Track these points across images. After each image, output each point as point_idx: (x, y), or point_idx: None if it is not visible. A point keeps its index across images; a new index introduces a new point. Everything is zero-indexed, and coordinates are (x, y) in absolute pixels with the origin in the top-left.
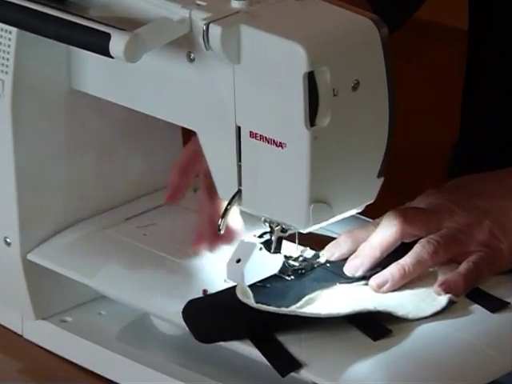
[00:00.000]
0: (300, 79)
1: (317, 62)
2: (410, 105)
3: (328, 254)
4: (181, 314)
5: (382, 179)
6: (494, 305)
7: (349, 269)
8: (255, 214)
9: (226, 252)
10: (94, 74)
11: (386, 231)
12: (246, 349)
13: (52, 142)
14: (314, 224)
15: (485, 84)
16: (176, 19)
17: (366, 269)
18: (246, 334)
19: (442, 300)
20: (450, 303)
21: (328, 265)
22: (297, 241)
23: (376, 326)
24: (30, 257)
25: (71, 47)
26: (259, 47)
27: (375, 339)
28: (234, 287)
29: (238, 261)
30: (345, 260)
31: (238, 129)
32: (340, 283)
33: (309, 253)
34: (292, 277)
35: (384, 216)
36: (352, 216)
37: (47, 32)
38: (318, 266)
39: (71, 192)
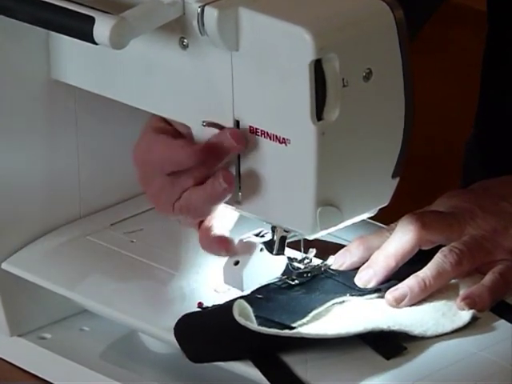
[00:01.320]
0: (306, 68)
1: (324, 49)
2: (428, 97)
3: (338, 262)
4: (172, 331)
5: (397, 180)
6: None
7: (361, 279)
8: (256, 218)
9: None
10: (76, 62)
11: (402, 238)
12: (246, 370)
13: (29, 138)
14: (322, 230)
15: (505, 65)
16: (167, 1)
17: (379, 280)
18: (245, 354)
19: (465, 315)
20: (474, 319)
21: (337, 274)
22: (302, 248)
23: (389, 344)
24: (4, 266)
25: (50, 32)
26: (260, 32)
27: (388, 358)
28: (232, 302)
29: (237, 263)
30: (356, 269)
31: (237, 123)
32: (351, 295)
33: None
34: (296, 281)
35: (399, 221)
36: (364, 221)
37: (23, 15)
38: (325, 270)
39: (50, 194)
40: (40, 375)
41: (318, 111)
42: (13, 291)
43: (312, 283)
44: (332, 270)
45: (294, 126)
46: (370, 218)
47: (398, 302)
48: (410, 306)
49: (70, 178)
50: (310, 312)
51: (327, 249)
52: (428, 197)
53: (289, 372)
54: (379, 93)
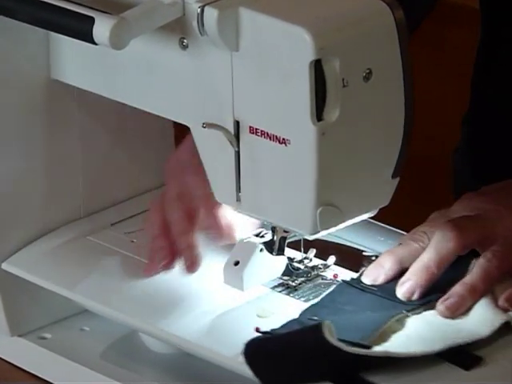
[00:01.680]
0: (306, 68)
1: (324, 50)
2: (428, 97)
3: (371, 277)
4: (172, 331)
5: (397, 180)
6: None
7: (403, 293)
8: (256, 218)
9: (224, 259)
10: (76, 62)
11: (443, 246)
12: (246, 370)
13: (30, 138)
14: (322, 230)
15: (498, 64)
16: (167, 1)
17: (422, 291)
18: (325, 375)
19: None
20: None
21: (376, 289)
22: (302, 249)
23: (464, 355)
24: (4, 266)
25: (50, 33)
26: (260, 32)
27: (467, 369)
28: (313, 326)
29: (237, 263)
30: (389, 283)
31: (237, 123)
32: (406, 311)
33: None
34: (297, 281)
35: (429, 229)
36: (364, 221)
37: (23, 15)
38: (323, 269)
39: (50, 194)
40: (40, 375)
41: (318, 111)
42: (13, 291)
43: (356, 300)
44: (366, 285)
45: (294, 126)
46: (370, 218)
47: (450, 311)
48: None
49: (70, 177)
50: (375, 331)
51: (327, 249)
52: (428, 197)
53: None
54: (379, 93)
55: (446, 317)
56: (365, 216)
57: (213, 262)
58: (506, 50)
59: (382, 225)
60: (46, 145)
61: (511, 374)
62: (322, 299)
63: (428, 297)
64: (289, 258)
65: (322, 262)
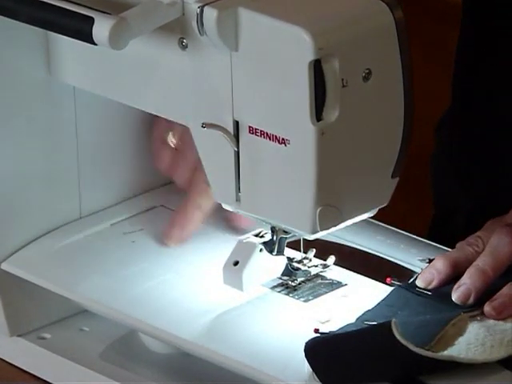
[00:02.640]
0: (305, 68)
1: (324, 50)
2: (428, 97)
3: (425, 281)
4: (172, 331)
5: (396, 180)
6: None
7: (458, 296)
8: (256, 218)
9: (222, 259)
10: (76, 62)
11: (500, 251)
12: (246, 370)
13: (29, 138)
14: (322, 230)
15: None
16: (166, 1)
17: (478, 295)
18: (387, 377)
19: None
20: None
21: (430, 293)
22: (302, 249)
23: None
24: (3, 266)
25: (50, 33)
26: (259, 33)
27: None
28: (381, 326)
29: (236, 263)
30: (445, 286)
31: (236, 123)
32: (464, 312)
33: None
34: (296, 281)
35: (486, 234)
36: (364, 221)
37: (23, 15)
38: (323, 269)
39: (50, 195)
40: (40, 375)
41: (318, 111)
42: (13, 291)
43: (411, 305)
44: (421, 289)
45: (294, 126)
46: (369, 218)
47: (497, 312)
48: None
49: (70, 178)
50: (434, 336)
51: (327, 249)
52: (428, 197)
53: None
54: (379, 93)
55: (493, 318)
56: (364, 216)
57: (212, 262)
58: (499, 48)
59: (382, 224)
60: (45, 144)
61: None
62: (378, 304)
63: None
64: (288, 258)
65: (321, 261)
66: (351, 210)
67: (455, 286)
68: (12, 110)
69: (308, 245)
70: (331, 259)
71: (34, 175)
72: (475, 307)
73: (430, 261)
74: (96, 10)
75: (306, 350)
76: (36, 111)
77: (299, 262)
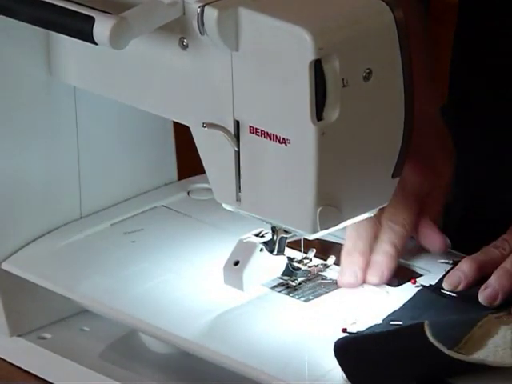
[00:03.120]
0: (306, 68)
1: (324, 50)
2: None
3: (452, 284)
4: (172, 331)
5: (397, 180)
6: None
7: (485, 298)
8: (256, 218)
9: (222, 259)
10: (76, 62)
11: None
12: (246, 370)
13: (29, 138)
14: (322, 229)
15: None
16: (167, 1)
17: (505, 296)
18: (415, 378)
19: None
20: None
21: (457, 296)
22: (302, 248)
23: None
24: (4, 266)
25: (50, 32)
26: (260, 32)
27: None
28: (412, 326)
29: (236, 263)
30: (471, 288)
31: (237, 123)
32: (491, 313)
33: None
34: (296, 281)
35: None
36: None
37: (23, 15)
38: (323, 269)
39: (50, 195)
40: (40, 375)
41: (318, 111)
42: (13, 291)
43: (436, 306)
44: (447, 290)
45: (294, 126)
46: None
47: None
48: None
49: (70, 178)
50: (461, 338)
51: (327, 249)
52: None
53: None
54: (379, 93)
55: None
56: (364, 216)
57: (212, 263)
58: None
59: None
60: (45, 144)
61: None
62: (403, 305)
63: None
64: (289, 258)
65: (321, 261)
66: (351, 210)
67: (482, 288)
68: (12, 110)
69: (308, 245)
70: (331, 259)
71: (34, 175)
72: (501, 309)
73: (455, 263)
74: (97, 9)
75: (335, 350)
76: (36, 111)
77: (299, 261)
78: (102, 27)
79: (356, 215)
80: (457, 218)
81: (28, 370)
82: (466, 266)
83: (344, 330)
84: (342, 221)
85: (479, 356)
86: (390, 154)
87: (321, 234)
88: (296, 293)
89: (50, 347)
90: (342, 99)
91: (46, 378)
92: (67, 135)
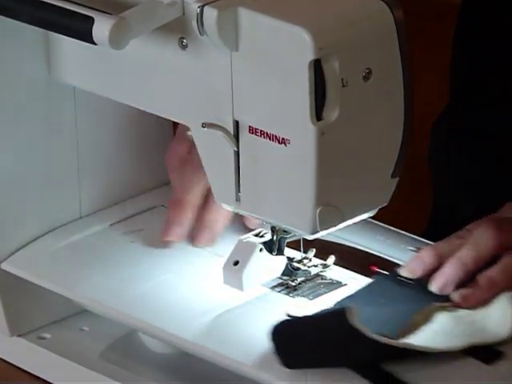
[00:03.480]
0: (305, 68)
1: (324, 49)
2: (428, 97)
3: (410, 270)
4: (172, 331)
5: (396, 180)
6: None
7: (437, 286)
8: (256, 218)
9: (222, 259)
10: (76, 62)
11: (481, 244)
12: (247, 370)
13: (29, 138)
14: (322, 230)
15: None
16: (167, 1)
17: (456, 286)
18: (346, 362)
19: None
20: None
21: (412, 283)
22: (302, 248)
23: (485, 349)
24: (4, 266)
25: (50, 32)
26: (259, 32)
27: (488, 363)
28: (339, 310)
29: (236, 263)
30: (428, 277)
31: (236, 123)
32: (435, 301)
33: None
34: (296, 281)
35: (477, 227)
36: (364, 221)
37: (23, 15)
38: (322, 269)
39: (50, 195)
40: (40, 375)
41: (318, 111)
42: (13, 291)
43: (389, 292)
44: (404, 278)
45: (294, 126)
46: (369, 218)
47: (464, 300)
48: (487, 306)
49: (70, 177)
50: (402, 324)
51: (327, 249)
52: (428, 197)
53: (396, 380)
54: (379, 93)
55: (461, 306)
56: (364, 216)
57: (212, 263)
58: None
59: (382, 224)
60: (45, 144)
61: None
62: (357, 290)
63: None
64: (288, 258)
65: (321, 261)
66: (351, 210)
67: (436, 275)
68: (12, 109)
69: (308, 245)
70: (331, 259)
71: (33, 175)
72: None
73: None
74: (96, 9)
75: (270, 333)
76: (36, 111)
77: (299, 261)
78: (102, 27)
79: (356, 215)
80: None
81: (28, 370)
82: (425, 254)
83: (288, 315)
84: (342, 221)
85: (408, 341)
86: (390, 154)
87: (320, 235)
88: (295, 293)
89: (49, 347)
90: (341, 99)
91: (45, 378)
92: (67, 135)
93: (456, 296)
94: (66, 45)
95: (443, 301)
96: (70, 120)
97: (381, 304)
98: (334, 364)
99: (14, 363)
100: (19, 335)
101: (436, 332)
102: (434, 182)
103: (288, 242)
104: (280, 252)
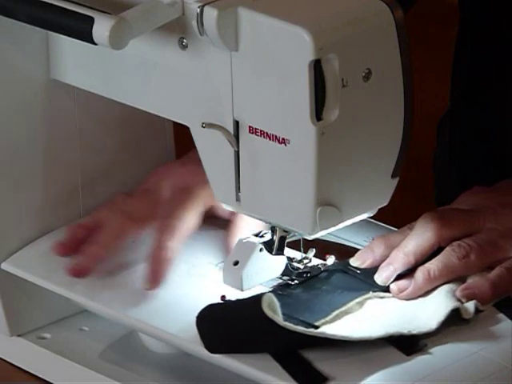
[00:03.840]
0: (305, 68)
1: (324, 49)
2: (428, 97)
3: (360, 260)
4: (172, 331)
5: (396, 180)
6: None
7: (381, 277)
8: (255, 218)
9: (222, 259)
10: (76, 62)
11: (422, 235)
12: (247, 370)
13: (29, 138)
14: (321, 229)
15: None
16: (166, 1)
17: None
18: (266, 348)
19: (469, 307)
20: (477, 311)
21: (359, 272)
22: (302, 248)
23: (409, 340)
24: (4, 266)
25: (50, 33)
26: (259, 32)
27: (408, 354)
28: (258, 297)
29: (236, 263)
30: (377, 267)
31: (236, 123)
32: (373, 291)
33: (315, 254)
34: (296, 281)
35: (419, 218)
36: (363, 220)
37: (23, 15)
38: (324, 270)
39: (50, 195)
40: (40, 375)
41: (318, 111)
42: (13, 291)
43: (333, 280)
44: (353, 267)
45: (294, 126)
46: (369, 218)
47: (401, 292)
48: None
49: (70, 177)
50: (332, 311)
51: (327, 249)
52: (428, 197)
53: (311, 368)
54: (379, 93)
55: (397, 296)
56: (364, 216)
57: (212, 263)
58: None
59: (382, 224)
60: (45, 145)
61: (451, 362)
62: (279, 279)
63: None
64: (288, 258)
65: (321, 261)
66: (351, 210)
67: (380, 266)
68: (12, 109)
69: (308, 245)
70: (331, 259)
71: (33, 175)
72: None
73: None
74: (96, 9)
75: (196, 318)
76: (36, 111)
77: (299, 261)
78: (102, 27)
79: (355, 215)
80: None
81: (28, 370)
82: (375, 245)
83: (222, 298)
84: (342, 221)
85: (324, 330)
86: (390, 153)
87: (320, 234)
88: None
89: (49, 347)
90: (341, 99)
91: (45, 378)
92: (67, 135)
93: (394, 287)
94: (66, 45)
95: (382, 290)
96: (70, 120)
97: (323, 291)
98: (253, 350)
99: (14, 363)
100: (19, 335)
101: (359, 320)
102: (437, 181)
103: (288, 242)
104: (280, 252)
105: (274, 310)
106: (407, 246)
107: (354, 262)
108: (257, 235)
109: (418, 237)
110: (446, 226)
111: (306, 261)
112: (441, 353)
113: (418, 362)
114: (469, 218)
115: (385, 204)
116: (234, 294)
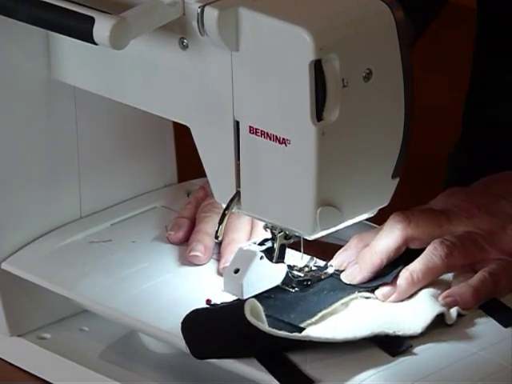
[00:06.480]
0: (306, 68)
1: (324, 50)
2: (428, 97)
3: (337, 262)
4: (172, 331)
5: (397, 180)
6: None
7: (346, 276)
8: (256, 218)
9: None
10: (76, 62)
11: (388, 236)
12: (247, 369)
13: (29, 138)
14: (322, 230)
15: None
16: (167, 1)
17: (365, 276)
18: (251, 353)
19: (452, 312)
20: (459, 316)
21: (338, 273)
22: (302, 249)
23: (395, 341)
24: (4, 266)
25: (50, 32)
26: (260, 33)
27: (393, 355)
28: (242, 301)
29: (237, 271)
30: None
31: (237, 123)
32: (359, 291)
33: (315, 263)
34: (296, 289)
35: (389, 217)
36: (364, 221)
37: (23, 15)
38: (325, 278)
39: (50, 194)
40: (40, 375)
41: (318, 111)
42: (13, 291)
43: (319, 282)
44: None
45: (294, 126)
46: (369, 219)
47: (386, 298)
48: (409, 300)
49: (70, 177)
50: (318, 312)
51: (327, 249)
52: (428, 197)
53: (297, 371)
54: (379, 93)
55: (384, 301)
56: (364, 216)
57: (212, 263)
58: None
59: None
60: (45, 144)
61: (435, 365)
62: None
63: (375, 282)
64: (289, 266)
65: (322, 271)
66: (351, 210)
67: (348, 265)
68: (12, 109)
69: (308, 245)
70: (331, 269)
71: (33, 175)
72: (371, 287)
73: None
74: (96, 9)
75: (182, 322)
76: (36, 111)
77: (300, 270)
78: (102, 27)
79: (356, 216)
80: None
81: (28, 370)
82: (351, 245)
83: (208, 302)
84: (342, 221)
85: (308, 333)
86: (390, 154)
87: (320, 235)
88: None
89: (49, 347)
90: (342, 99)
91: (45, 378)
92: (67, 135)
93: (379, 294)
94: (66, 45)
95: (368, 291)
96: (70, 120)
97: (308, 292)
98: (238, 355)
99: (14, 363)
100: (19, 335)
101: (344, 321)
102: (447, 177)
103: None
104: (280, 260)
105: (257, 316)
106: (374, 246)
107: (333, 263)
108: (257, 243)
109: (385, 237)
110: (413, 226)
111: (306, 269)
112: (440, 353)
113: (412, 363)
114: (438, 220)
115: (385, 204)
116: (219, 298)
